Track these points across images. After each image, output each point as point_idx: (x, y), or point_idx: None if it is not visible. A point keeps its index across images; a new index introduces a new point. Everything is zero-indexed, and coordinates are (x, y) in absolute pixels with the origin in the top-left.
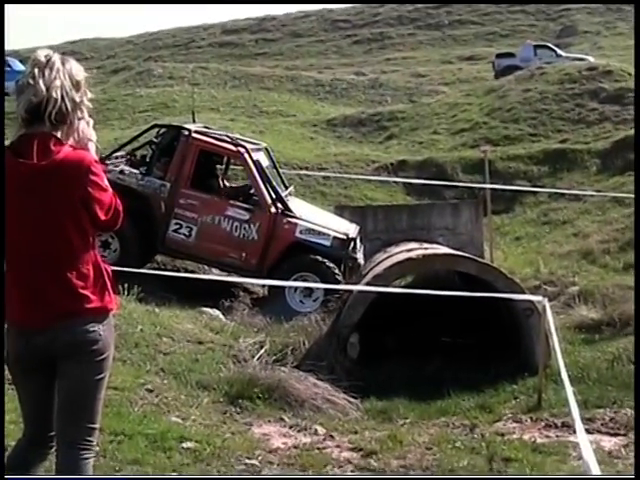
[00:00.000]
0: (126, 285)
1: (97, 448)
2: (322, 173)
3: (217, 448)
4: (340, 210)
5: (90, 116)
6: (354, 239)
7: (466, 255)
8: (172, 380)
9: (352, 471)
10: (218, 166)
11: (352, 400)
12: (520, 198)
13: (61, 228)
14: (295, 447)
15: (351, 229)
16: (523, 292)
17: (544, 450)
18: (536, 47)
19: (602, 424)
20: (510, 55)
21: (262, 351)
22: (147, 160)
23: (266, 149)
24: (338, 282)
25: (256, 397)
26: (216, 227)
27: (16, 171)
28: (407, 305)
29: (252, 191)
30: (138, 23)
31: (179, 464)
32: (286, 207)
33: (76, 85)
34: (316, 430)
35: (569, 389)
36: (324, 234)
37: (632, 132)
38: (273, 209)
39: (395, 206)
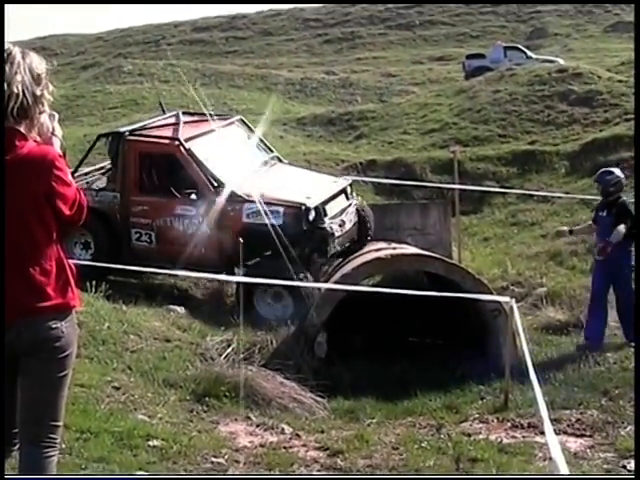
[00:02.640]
0: (94, 282)
1: (61, 446)
2: None
3: (183, 446)
4: None
5: (57, 111)
6: (317, 207)
7: (434, 255)
8: (139, 378)
9: (318, 470)
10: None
11: (319, 399)
12: (489, 199)
13: (25, 223)
14: (262, 446)
15: (317, 195)
16: (491, 293)
17: (510, 450)
18: (506, 48)
19: (568, 425)
20: (480, 56)
21: (229, 349)
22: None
23: (241, 120)
24: (305, 290)
25: (223, 395)
26: (170, 228)
27: None
28: (375, 305)
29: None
30: (108, 19)
31: (145, 462)
32: (230, 192)
33: (37, 79)
34: (283, 429)
35: (537, 390)
36: (273, 212)
37: (601, 135)
38: (216, 198)
39: None
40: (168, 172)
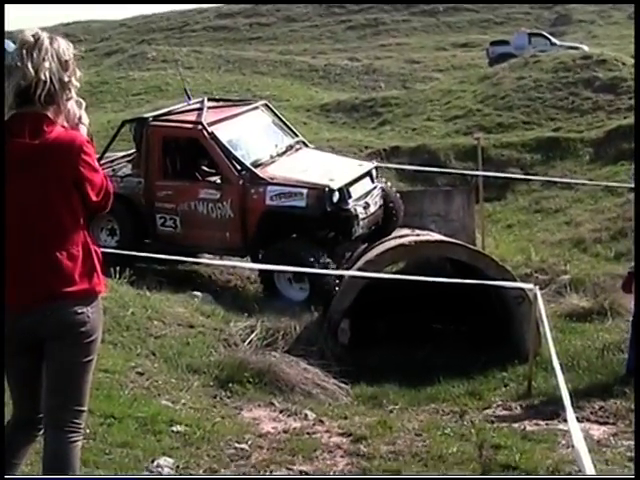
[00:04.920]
0: (118, 268)
1: (86, 431)
2: None
3: (207, 432)
4: None
5: (83, 98)
6: (341, 189)
7: (458, 242)
8: (162, 363)
9: (341, 456)
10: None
11: (342, 385)
12: (512, 186)
13: (52, 208)
14: (285, 432)
15: (341, 177)
16: (514, 280)
17: (533, 438)
18: (530, 35)
19: (591, 412)
20: (504, 43)
21: (253, 335)
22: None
23: (266, 105)
24: (321, 275)
25: (246, 381)
26: (194, 212)
27: (9, 150)
28: (398, 291)
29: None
30: (132, 6)
31: (169, 447)
32: (254, 175)
33: (64, 65)
34: (306, 415)
35: (560, 377)
36: (296, 194)
37: (625, 122)
38: (240, 181)
39: None
40: (192, 156)
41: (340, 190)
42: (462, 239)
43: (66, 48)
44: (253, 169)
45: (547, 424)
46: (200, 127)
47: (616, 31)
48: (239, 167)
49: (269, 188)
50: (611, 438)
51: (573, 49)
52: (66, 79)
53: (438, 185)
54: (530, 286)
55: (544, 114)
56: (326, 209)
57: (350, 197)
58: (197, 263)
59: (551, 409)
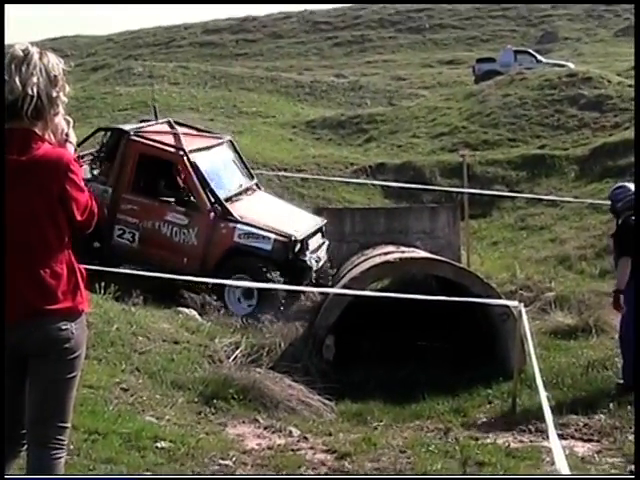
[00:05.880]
0: (102, 284)
1: (70, 447)
2: (301, 175)
3: (191, 448)
4: (317, 212)
5: (70, 115)
6: (302, 240)
7: (443, 259)
8: (147, 379)
9: (326, 473)
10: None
11: (327, 402)
12: (498, 203)
13: (38, 224)
14: (269, 448)
15: (303, 228)
16: (499, 297)
17: (518, 455)
18: (516, 52)
19: (576, 430)
20: (490, 60)
21: (237, 352)
22: (92, 166)
23: (230, 141)
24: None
25: (231, 398)
26: (157, 232)
27: None
28: (383, 308)
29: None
30: (119, 21)
31: (153, 464)
32: (225, 211)
33: (53, 80)
34: (290, 431)
35: (543, 394)
36: (264, 237)
37: (611, 139)
38: (212, 213)
39: (373, 209)
40: (165, 178)
41: (302, 241)
42: (447, 256)
43: (56, 64)
44: (226, 204)
45: (531, 441)
46: (182, 153)
47: (602, 49)
48: (213, 199)
49: (239, 226)
50: (595, 455)
51: (559, 66)
52: (54, 94)
53: (423, 202)
54: (515, 303)
55: (530, 131)
56: (288, 256)
57: (308, 249)
58: (174, 279)
59: (535, 426)
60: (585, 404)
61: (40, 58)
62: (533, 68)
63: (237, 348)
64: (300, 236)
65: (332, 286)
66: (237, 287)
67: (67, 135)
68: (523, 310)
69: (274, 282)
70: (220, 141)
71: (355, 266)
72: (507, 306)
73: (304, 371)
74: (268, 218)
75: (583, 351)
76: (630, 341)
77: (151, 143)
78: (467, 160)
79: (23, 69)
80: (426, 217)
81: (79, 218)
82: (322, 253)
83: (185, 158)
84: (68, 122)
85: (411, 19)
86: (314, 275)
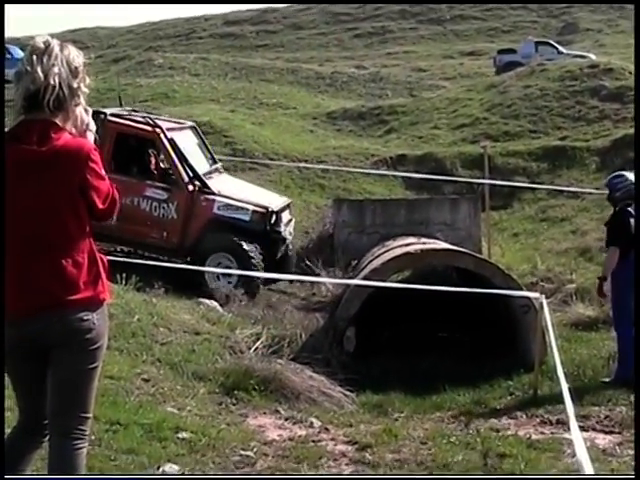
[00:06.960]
0: (124, 275)
1: (91, 437)
2: (321, 166)
3: (212, 439)
4: (338, 203)
5: (90, 105)
6: (276, 212)
7: (464, 250)
8: (168, 370)
9: (347, 464)
10: (150, 149)
11: (348, 393)
12: (519, 194)
13: (58, 214)
14: (290, 439)
15: (275, 202)
16: (520, 288)
17: (539, 446)
18: (537, 43)
19: (597, 422)
20: (511, 51)
21: (258, 343)
22: None
23: (194, 127)
24: (252, 265)
25: (252, 389)
26: (136, 208)
27: (16, 156)
28: (404, 300)
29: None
30: (139, 13)
31: (174, 454)
32: (204, 184)
33: (74, 71)
34: (311, 423)
35: (564, 386)
36: (243, 209)
37: (632, 130)
38: (190, 187)
39: (393, 200)
40: (142, 157)
41: (277, 213)
42: (468, 247)
43: (76, 55)
44: (204, 179)
45: (552, 433)
46: (159, 130)
47: (623, 40)
48: (191, 174)
49: (217, 198)
50: (616, 447)
51: (580, 58)
52: (75, 85)
53: (444, 193)
54: (536, 295)
55: (551, 123)
56: (265, 227)
57: (282, 221)
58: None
59: (556, 418)
60: (606, 396)
61: (61, 50)
62: (554, 59)
63: (258, 339)
64: (276, 207)
65: (352, 277)
66: (217, 263)
67: (87, 125)
68: (544, 302)
69: (252, 257)
70: (184, 125)
71: (376, 257)
72: (528, 298)
73: (325, 362)
74: (244, 192)
75: (604, 343)
76: (625, 337)
77: (129, 123)
78: (488, 151)
79: (44, 60)
80: (447, 208)
81: (101, 207)
82: (291, 229)
83: (162, 135)
84: (87, 112)
85: (432, 10)
86: (284, 248)
